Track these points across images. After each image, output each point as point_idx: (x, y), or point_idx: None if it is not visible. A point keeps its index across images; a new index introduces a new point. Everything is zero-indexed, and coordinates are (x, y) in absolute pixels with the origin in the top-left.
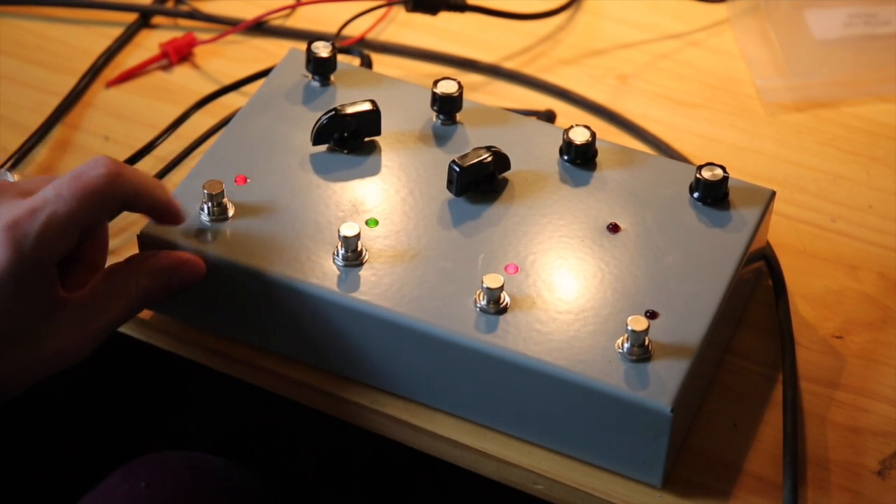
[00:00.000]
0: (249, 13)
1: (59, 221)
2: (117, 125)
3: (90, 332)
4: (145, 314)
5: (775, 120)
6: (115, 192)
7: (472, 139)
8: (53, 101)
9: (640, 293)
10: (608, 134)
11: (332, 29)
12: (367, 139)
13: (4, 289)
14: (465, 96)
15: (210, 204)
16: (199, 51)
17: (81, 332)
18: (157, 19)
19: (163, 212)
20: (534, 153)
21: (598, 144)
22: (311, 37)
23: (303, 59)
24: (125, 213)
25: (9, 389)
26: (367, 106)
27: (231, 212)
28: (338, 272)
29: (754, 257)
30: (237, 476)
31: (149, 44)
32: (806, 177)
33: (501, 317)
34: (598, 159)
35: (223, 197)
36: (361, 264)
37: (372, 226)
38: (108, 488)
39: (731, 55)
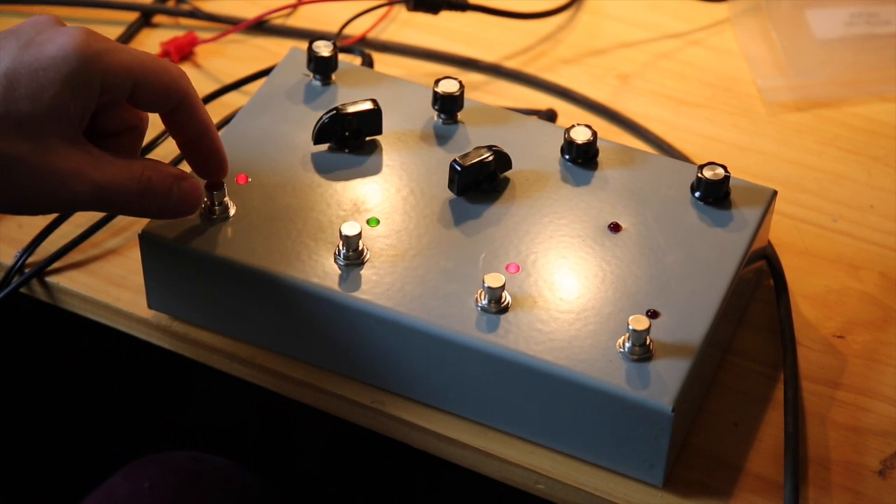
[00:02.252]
0: (250, 12)
1: (126, 64)
2: None
3: (89, 177)
4: (146, 313)
5: (776, 119)
6: (183, 94)
7: (474, 138)
8: None
9: (642, 292)
10: (609, 133)
11: (333, 28)
12: (368, 138)
13: (61, 69)
14: (466, 95)
15: (211, 203)
16: (200, 50)
17: (82, 172)
18: (158, 18)
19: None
20: (535, 152)
21: (599, 144)
22: (312, 36)
23: (304, 58)
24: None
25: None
26: (368, 105)
27: (232, 211)
28: (339, 271)
29: (755, 257)
30: (239, 476)
31: (150, 43)
32: (807, 176)
33: (503, 316)
34: (600, 159)
35: (224, 196)
36: (363, 263)
37: (373, 225)
38: (111, 488)
39: (733, 55)
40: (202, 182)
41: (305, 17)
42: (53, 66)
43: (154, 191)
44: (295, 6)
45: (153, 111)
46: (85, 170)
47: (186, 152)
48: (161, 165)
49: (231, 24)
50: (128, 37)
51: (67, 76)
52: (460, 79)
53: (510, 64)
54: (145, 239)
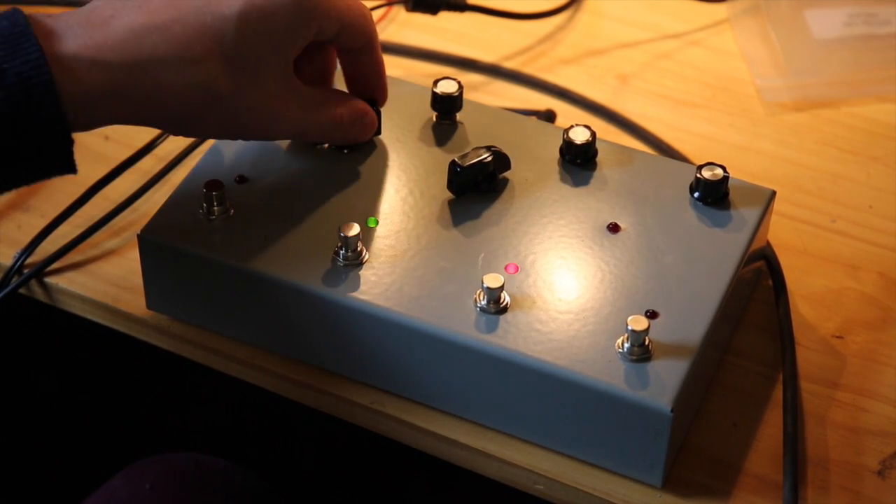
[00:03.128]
0: None
1: (336, 10)
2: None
3: (295, 115)
4: (145, 314)
5: (775, 120)
6: (370, 35)
7: (472, 139)
8: None
9: (641, 293)
10: (608, 134)
11: None
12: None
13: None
14: (465, 96)
15: (210, 203)
16: None
17: (290, 111)
18: None
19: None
20: (534, 153)
21: (598, 144)
22: None
23: None
24: (125, 213)
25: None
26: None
27: (231, 211)
28: (338, 272)
29: (754, 257)
30: (240, 477)
31: None
32: (806, 176)
33: (501, 316)
34: (599, 159)
35: (223, 196)
36: (361, 264)
37: (372, 225)
38: (111, 489)
39: (731, 55)
40: (375, 118)
41: None
42: (282, 12)
43: (344, 127)
44: None
45: (344, 49)
46: (292, 108)
47: (352, 81)
48: (351, 102)
49: None
50: None
51: (292, 22)
52: (459, 79)
53: (509, 64)
54: (144, 240)
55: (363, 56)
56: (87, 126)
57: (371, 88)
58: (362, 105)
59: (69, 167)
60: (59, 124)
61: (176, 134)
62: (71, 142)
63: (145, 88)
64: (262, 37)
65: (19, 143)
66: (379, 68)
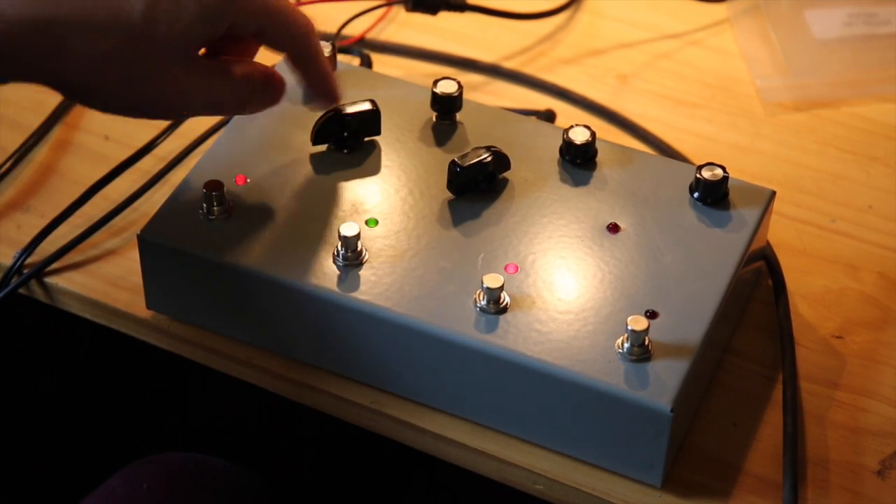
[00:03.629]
0: None
1: (256, 9)
2: (117, 125)
3: (201, 93)
4: (145, 314)
5: (775, 120)
6: (302, 47)
7: (472, 139)
8: (53, 101)
9: (640, 293)
10: (608, 134)
11: (331, 28)
12: (366, 139)
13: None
14: (464, 96)
15: (210, 203)
16: None
17: (197, 89)
18: None
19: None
20: (534, 153)
21: (597, 144)
22: None
23: None
24: (125, 213)
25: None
26: (366, 106)
27: (231, 211)
28: (338, 272)
29: (754, 257)
30: (238, 477)
31: None
32: (806, 177)
33: (501, 316)
34: (598, 159)
35: (223, 196)
36: (361, 264)
37: (372, 226)
38: (109, 489)
39: (731, 55)
40: (283, 81)
41: None
42: (196, 2)
43: (252, 100)
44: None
45: (273, 49)
46: (195, 82)
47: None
48: (258, 75)
49: None
50: None
51: (203, 11)
52: (459, 79)
53: (509, 64)
54: (144, 240)
55: (298, 62)
56: None
57: (318, 94)
58: (266, 69)
59: None
60: None
61: (79, 102)
62: None
63: (46, 48)
64: (172, 17)
65: None
66: (321, 79)
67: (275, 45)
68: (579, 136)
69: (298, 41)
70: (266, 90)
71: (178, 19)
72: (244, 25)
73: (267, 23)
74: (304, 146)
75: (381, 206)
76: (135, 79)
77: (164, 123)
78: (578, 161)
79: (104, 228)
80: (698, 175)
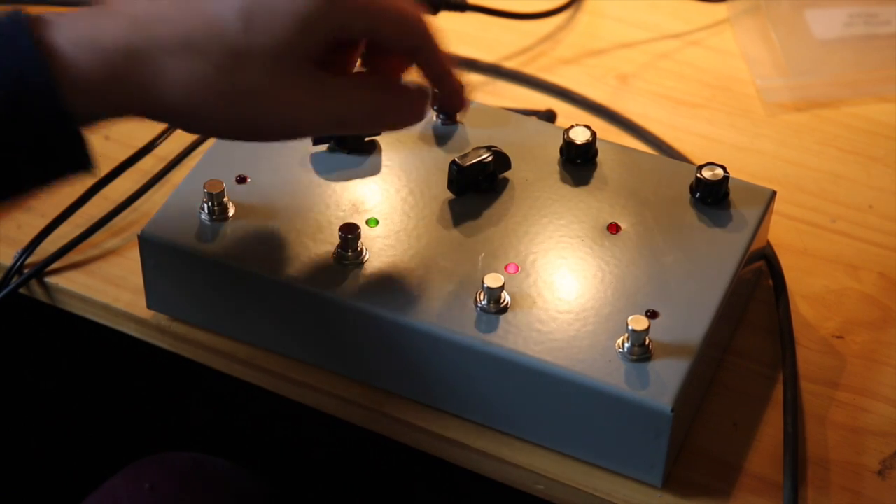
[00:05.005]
0: None
1: (363, 7)
2: (116, 125)
3: (321, 107)
4: (145, 314)
5: (775, 120)
6: (419, 41)
7: (473, 139)
8: None
9: (641, 293)
10: (608, 134)
11: None
12: (367, 139)
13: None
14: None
15: (210, 203)
16: None
17: (314, 103)
18: None
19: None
20: (534, 153)
21: (598, 144)
22: None
23: None
24: (125, 213)
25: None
26: None
27: (232, 211)
28: (338, 272)
29: (755, 257)
30: (241, 477)
31: None
32: (806, 177)
33: (502, 316)
34: (599, 159)
35: (224, 196)
36: (362, 264)
37: (372, 225)
38: (112, 489)
39: (732, 55)
40: (430, 91)
41: None
42: (291, 4)
43: (384, 113)
44: None
45: (388, 50)
46: (310, 100)
47: (429, 82)
48: (389, 85)
49: None
50: None
51: (304, 17)
52: None
53: (509, 64)
54: (145, 240)
55: (417, 59)
56: (91, 117)
57: (443, 94)
58: (405, 83)
59: (83, 163)
60: (61, 116)
61: (184, 129)
62: (78, 134)
63: (145, 77)
64: (269, 27)
65: (24, 141)
66: (443, 76)
67: (390, 44)
68: (580, 135)
69: (414, 36)
70: (399, 110)
71: (275, 26)
72: (351, 26)
73: (377, 20)
74: (305, 145)
75: (381, 205)
76: (239, 98)
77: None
78: (579, 161)
79: (105, 228)
80: (699, 175)
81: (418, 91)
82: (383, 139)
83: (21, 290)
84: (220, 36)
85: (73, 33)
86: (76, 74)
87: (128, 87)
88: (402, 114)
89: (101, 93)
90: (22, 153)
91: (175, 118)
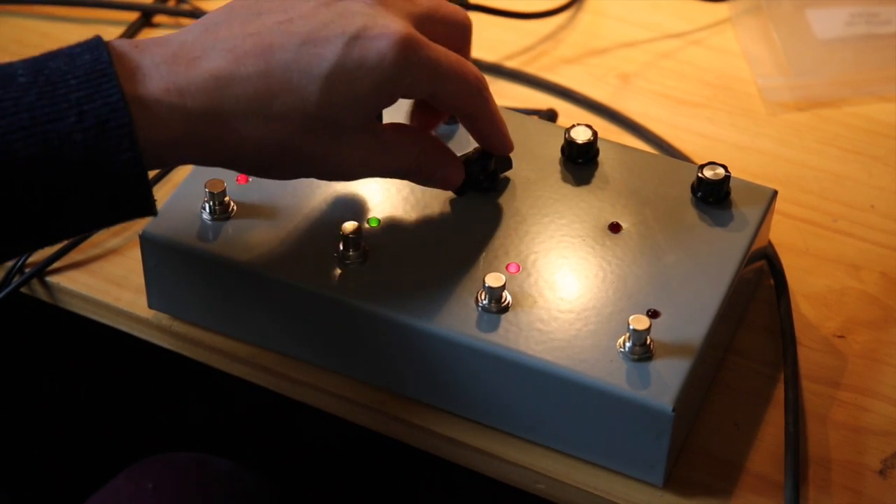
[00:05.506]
0: None
1: (431, 73)
2: None
3: (373, 164)
4: (146, 313)
5: (777, 119)
6: (473, 109)
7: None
8: None
9: (642, 292)
10: (610, 133)
11: None
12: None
13: (381, 77)
14: None
15: (212, 203)
16: None
17: (368, 160)
18: (158, 18)
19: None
20: (535, 152)
21: (599, 143)
22: None
23: None
24: None
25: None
26: None
27: (233, 210)
28: (339, 271)
29: (756, 256)
30: (243, 476)
31: None
32: (808, 176)
33: (503, 316)
34: (600, 158)
35: (225, 196)
36: (363, 264)
37: (373, 225)
38: (114, 489)
39: (733, 54)
40: (462, 169)
41: None
42: (370, 78)
43: (422, 174)
44: None
45: (443, 110)
46: (370, 157)
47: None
48: (433, 150)
49: None
50: (128, 36)
51: (380, 85)
52: None
53: (511, 64)
54: (146, 239)
55: (467, 119)
56: (163, 166)
57: (486, 147)
58: (445, 155)
59: (147, 209)
60: (135, 168)
61: (254, 176)
62: (147, 185)
63: (223, 138)
64: (347, 98)
65: (96, 186)
66: (493, 135)
67: (444, 106)
68: (581, 135)
69: (469, 102)
70: (434, 173)
71: (355, 99)
72: (416, 90)
73: (439, 86)
74: None
75: (382, 205)
76: (315, 157)
77: None
78: (580, 160)
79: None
80: (700, 174)
81: (453, 167)
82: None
83: (22, 290)
84: (298, 106)
85: (156, 87)
86: (155, 133)
87: (204, 147)
88: (433, 181)
89: (177, 149)
90: (93, 198)
91: (253, 172)
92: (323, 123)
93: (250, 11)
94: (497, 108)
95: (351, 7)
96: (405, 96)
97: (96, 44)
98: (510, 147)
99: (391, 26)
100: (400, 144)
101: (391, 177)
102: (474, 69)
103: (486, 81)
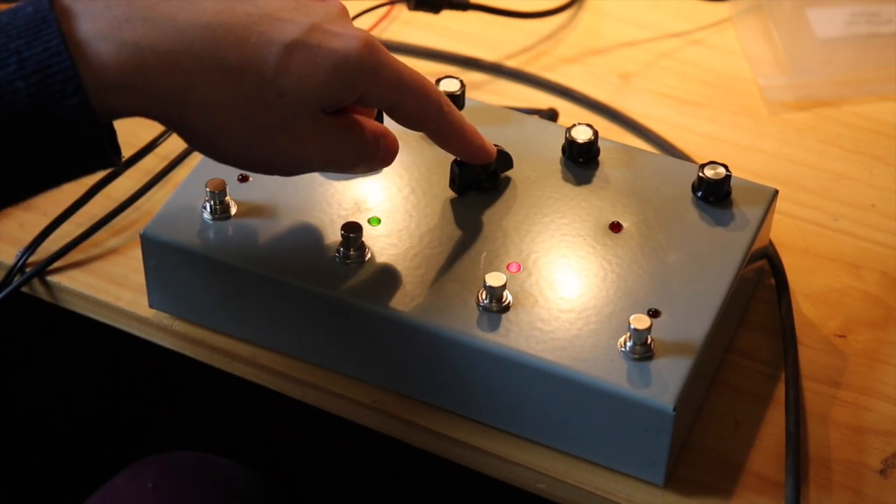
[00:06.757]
0: None
1: (390, 85)
2: (119, 123)
3: (321, 149)
4: (147, 313)
5: (778, 119)
6: (435, 125)
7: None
8: None
9: (643, 292)
10: (610, 132)
11: None
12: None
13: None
14: (467, 95)
15: (212, 202)
16: None
17: (316, 145)
18: None
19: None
20: (536, 152)
21: (600, 143)
22: None
23: None
24: (127, 212)
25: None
26: None
27: (233, 210)
28: (340, 271)
29: (757, 256)
30: (243, 476)
31: None
32: (808, 175)
33: (504, 315)
34: (601, 158)
35: (226, 195)
36: (364, 263)
37: (374, 224)
38: (114, 488)
39: (734, 54)
40: (396, 142)
41: None
42: (330, 59)
43: (367, 158)
44: None
45: (401, 123)
46: (319, 142)
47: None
48: (372, 134)
49: None
50: None
51: (338, 74)
52: (461, 78)
53: (511, 63)
54: (147, 238)
55: (434, 137)
56: (115, 113)
57: (466, 158)
58: (380, 129)
59: (104, 159)
60: (84, 113)
61: (195, 148)
62: (99, 131)
63: (174, 83)
64: (304, 76)
65: (47, 136)
66: (456, 146)
67: (405, 123)
68: (582, 134)
69: (432, 117)
70: (377, 151)
71: (311, 77)
72: (375, 100)
73: (398, 101)
74: None
75: (383, 204)
76: (257, 129)
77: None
78: (581, 160)
79: (106, 227)
80: (701, 174)
81: (388, 140)
82: None
83: (23, 289)
84: (256, 66)
85: (104, 26)
86: (104, 70)
87: (155, 92)
88: (375, 161)
89: (126, 90)
90: (45, 148)
91: (191, 136)
92: (275, 92)
93: None
94: (464, 120)
95: (320, 7)
96: (365, 104)
97: None
98: (489, 155)
99: (357, 30)
100: (345, 132)
101: (337, 169)
102: (435, 87)
103: (447, 99)
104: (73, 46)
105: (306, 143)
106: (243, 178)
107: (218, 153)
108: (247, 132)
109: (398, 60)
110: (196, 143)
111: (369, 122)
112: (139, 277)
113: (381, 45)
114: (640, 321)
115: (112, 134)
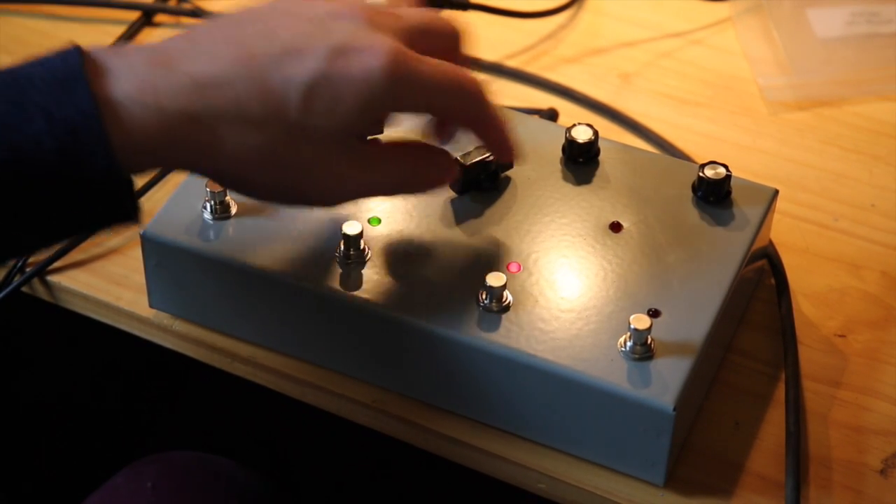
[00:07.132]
0: None
1: (422, 88)
2: None
3: (356, 179)
4: (147, 313)
5: (778, 118)
6: (473, 118)
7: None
8: None
9: (643, 292)
10: (610, 132)
11: None
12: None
13: (368, 94)
14: None
15: (213, 202)
16: None
17: (352, 176)
18: (159, 17)
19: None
20: (536, 152)
21: (600, 143)
22: None
23: None
24: None
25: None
26: None
27: (234, 209)
28: (340, 271)
29: (757, 256)
30: (243, 476)
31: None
32: (808, 175)
33: (504, 315)
34: (601, 158)
35: (226, 195)
36: (364, 263)
37: (374, 224)
38: (113, 487)
39: (734, 54)
40: (454, 167)
41: None
42: (353, 89)
43: (407, 185)
44: None
45: (444, 122)
46: (354, 173)
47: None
48: (422, 161)
49: None
50: (129, 36)
51: (363, 103)
52: None
53: (511, 63)
54: (147, 238)
55: (472, 128)
56: (141, 171)
57: (494, 154)
58: (426, 150)
59: (130, 215)
60: (111, 173)
61: (236, 192)
62: (126, 188)
63: (200, 141)
64: (329, 111)
65: (74, 193)
66: (492, 139)
67: (443, 118)
68: (582, 134)
69: (466, 112)
70: (415, 178)
71: (336, 111)
72: (408, 106)
73: (432, 99)
74: None
75: (383, 204)
76: (290, 170)
77: None
78: (581, 160)
79: None
80: (701, 174)
81: (444, 157)
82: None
83: (23, 289)
84: (278, 113)
85: (131, 88)
86: (132, 132)
87: (181, 150)
88: (419, 188)
89: (154, 152)
90: (72, 204)
91: (228, 182)
92: (303, 133)
93: (233, 22)
94: (503, 116)
95: (336, 24)
96: (400, 111)
97: (70, 50)
98: (517, 155)
99: (377, 42)
100: (384, 160)
101: (379, 195)
102: (470, 77)
103: (484, 87)
104: (102, 107)
105: (342, 177)
106: None
107: (256, 197)
108: (281, 176)
109: (427, 61)
110: (233, 189)
111: (409, 145)
112: (139, 277)
113: (407, 51)
114: (641, 321)
115: (133, 190)
